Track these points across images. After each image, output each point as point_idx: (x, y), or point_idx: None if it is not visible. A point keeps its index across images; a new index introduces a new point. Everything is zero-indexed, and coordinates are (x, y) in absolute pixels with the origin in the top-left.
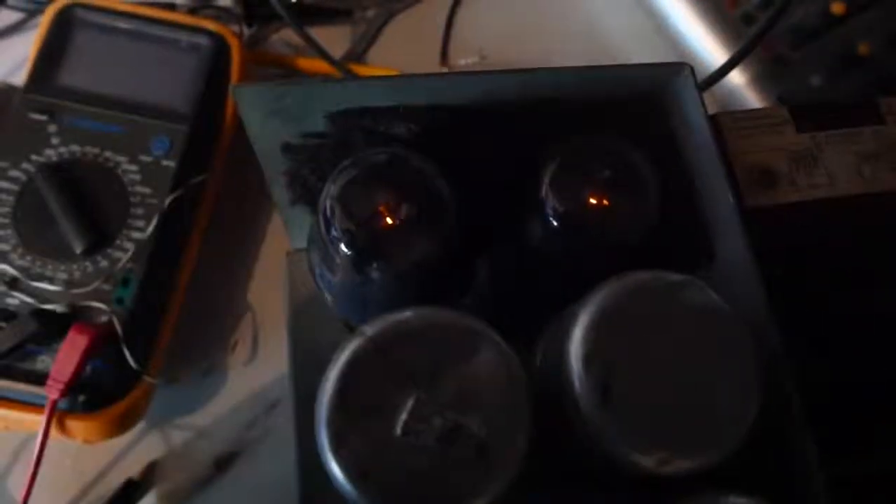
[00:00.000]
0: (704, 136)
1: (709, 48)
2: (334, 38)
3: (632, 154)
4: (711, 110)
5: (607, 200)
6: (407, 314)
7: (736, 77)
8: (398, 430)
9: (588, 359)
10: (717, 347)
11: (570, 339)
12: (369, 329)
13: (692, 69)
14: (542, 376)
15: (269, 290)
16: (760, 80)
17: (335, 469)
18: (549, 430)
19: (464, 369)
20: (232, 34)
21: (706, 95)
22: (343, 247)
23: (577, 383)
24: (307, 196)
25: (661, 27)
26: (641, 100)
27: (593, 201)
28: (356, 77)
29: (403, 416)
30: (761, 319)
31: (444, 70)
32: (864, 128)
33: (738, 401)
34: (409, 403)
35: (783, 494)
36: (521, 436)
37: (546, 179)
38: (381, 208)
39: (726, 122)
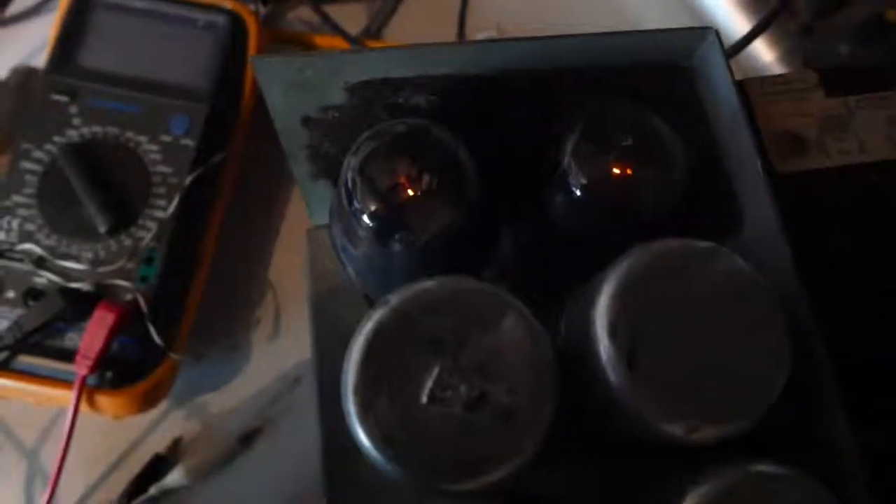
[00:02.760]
0: (731, 103)
1: (732, 17)
2: (351, 15)
3: (656, 122)
4: (736, 78)
5: (631, 170)
6: (431, 283)
7: (761, 47)
8: (424, 398)
9: (613, 326)
10: (745, 314)
11: (596, 307)
12: (394, 298)
13: (718, 33)
14: (567, 345)
15: (291, 267)
16: (786, 49)
17: (362, 436)
18: (576, 399)
19: (489, 337)
20: (248, 12)
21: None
22: (365, 218)
23: (602, 351)
24: (329, 170)
25: None
26: (666, 66)
27: (616, 171)
28: (374, 48)
29: (429, 384)
30: (790, 287)
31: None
32: None
33: (767, 368)
34: (435, 371)
35: (814, 462)
36: (546, 403)
37: (568, 149)
38: (403, 179)
39: (754, 88)
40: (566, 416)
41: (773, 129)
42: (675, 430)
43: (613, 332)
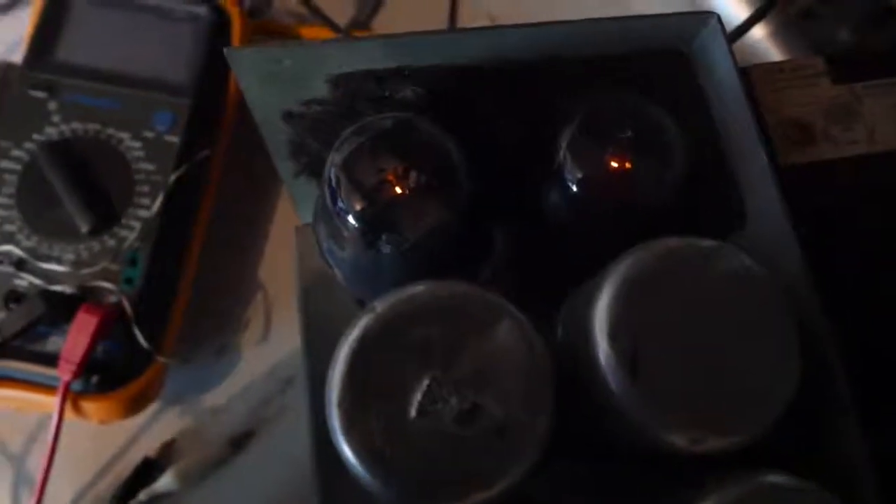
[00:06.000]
0: (734, 91)
1: (730, 3)
2: (338, 6)
3: (655, 112)
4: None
5: (630, 163)
6: (419, 288)
7: (759, 32)
8: (413, 411)
9: (614, 331)
10: (753, 317)
11: (595, 311)
12: (380, 305)
13: (720, 18)
14: (565, 350)
15: (280, 266)
16: (785, 34)
17: (347, 452)
18: (574, 407)
19: (481, 346)
20: (232, 3)
21: None
22: (350, 219)
23: (602, 358)
24: (312, 167)
25: None
26: (665, 54)
27: (615, 165)
28: (357, 37)
29: (418, 396)
30: (799, 285)
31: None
32: None
33: (777, 373)
34: (424, 383)
35: (824, 470)
36: (543, 415)
37: (564, 142)
38: (389, 176)
39: (757, 75)
40: (565, 423)
41: (778, 118)
42: (679, 441)
43: (614, 337)
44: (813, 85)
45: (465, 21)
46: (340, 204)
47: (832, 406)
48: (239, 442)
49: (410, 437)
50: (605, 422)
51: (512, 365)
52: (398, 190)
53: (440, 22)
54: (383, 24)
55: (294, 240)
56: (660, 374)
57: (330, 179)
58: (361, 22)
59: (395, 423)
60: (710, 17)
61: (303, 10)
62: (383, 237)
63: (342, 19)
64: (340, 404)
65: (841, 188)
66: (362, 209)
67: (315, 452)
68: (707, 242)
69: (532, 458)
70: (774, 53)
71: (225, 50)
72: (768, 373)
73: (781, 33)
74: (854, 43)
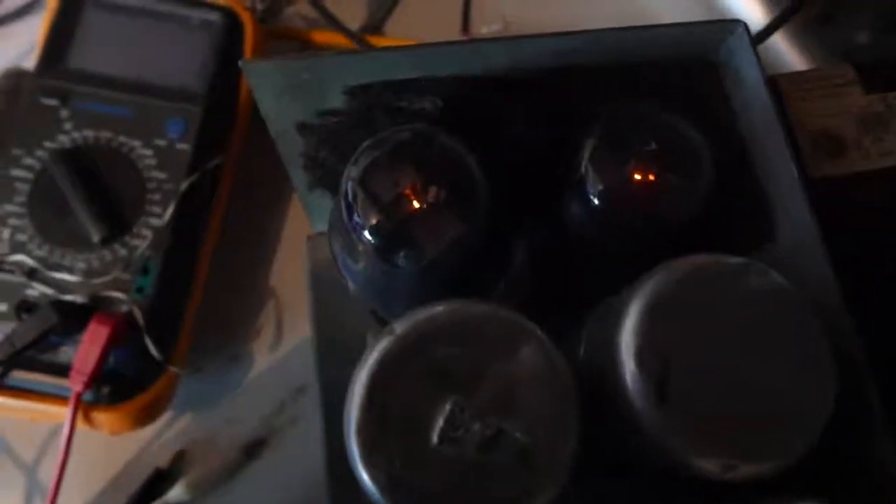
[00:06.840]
0: (762, 101)
1: (747, 7)
2: (350, 10)
3: (679, 124)
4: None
5: (654, 176)
6: (439, 309)
7: (775, 35)
8: (435, 438)
9: (641, 353)
10: (785, 337)
11: (621, 331)
12: (399, 327)
13: (746, 26)
14: (588, 369)
15: (292, 274)
16: (801, 37)
17: (367, 480)
18: (598, 428)
19: (504, 368)
20: (244, 9)
21: None
22: (366, 233)
23: (629, 380)
24: (327, 179)
25: None
26: (688, 63)
27: (638, 177)
28: (374, 48)
29: (440, 423)
30: (832, 304)
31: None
32: None
33: (811, 396)
34: (446, 408)
35: (859, 490)
36: (569, 440)
37: (585, 154)
38: (407, 190)
39: (785, 84)
40: (589, 447)
41: (808, 129)
42: (710, 467)
43: (641, 359)
44: (843, 94)
45: (478, 24)
46: (357, 218)
47: (868, 427)
48: (251, 451)
49: (431, 465)
50: (631, 446)
51: (536, 388)
52: (416, 204)
53: (453, 26)
54: (396, 27)
55: (305, 248)
56: (689, 397)
57: (346, 193)
58: (374, 26)
59: (416, 451)
60: (736, 25)
61: (315, 14)
62: (400, 253)
63: (354, 23)
64: (360, 431)
65: (874, 200)
66: (379, 224)
67: (328, 466)
68: (735, 260)
69: (558, 483)
70: (791, 57)
71: (241, 62)
72: (802, 396)
73: (799, 37)
74: (872, 47)
